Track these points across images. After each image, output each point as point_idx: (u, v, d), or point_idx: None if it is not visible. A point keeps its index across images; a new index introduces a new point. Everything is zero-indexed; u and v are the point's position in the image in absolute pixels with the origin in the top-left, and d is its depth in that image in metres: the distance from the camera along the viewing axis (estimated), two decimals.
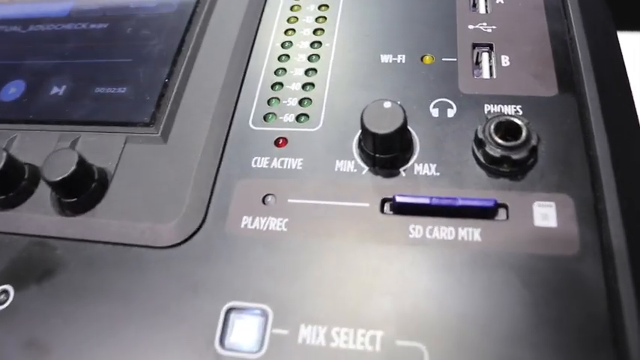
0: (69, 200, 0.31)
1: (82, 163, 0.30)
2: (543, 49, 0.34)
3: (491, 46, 0.35)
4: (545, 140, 0.31)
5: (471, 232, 0.29)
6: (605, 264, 0.27)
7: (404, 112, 0.29)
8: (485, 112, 0.32)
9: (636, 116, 0.34)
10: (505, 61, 0.34)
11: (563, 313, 0.26)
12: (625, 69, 0.36)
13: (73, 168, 0.30)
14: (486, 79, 0.33)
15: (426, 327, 0.26)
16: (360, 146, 0.31)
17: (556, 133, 0.31)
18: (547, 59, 0.34)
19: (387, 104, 0.29)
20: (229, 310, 0.28)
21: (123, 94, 0.35)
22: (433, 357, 0.26)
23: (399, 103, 0.29)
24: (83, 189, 0.31)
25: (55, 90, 0.36)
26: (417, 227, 0.29)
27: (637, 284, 0.27)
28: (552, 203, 0.29)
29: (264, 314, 0.28)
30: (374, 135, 0.29)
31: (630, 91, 0.34)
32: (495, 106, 0.32)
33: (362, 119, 0.29)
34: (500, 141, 0.29)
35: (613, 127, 0.31)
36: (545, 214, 0.29)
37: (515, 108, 0.32)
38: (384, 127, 0.29)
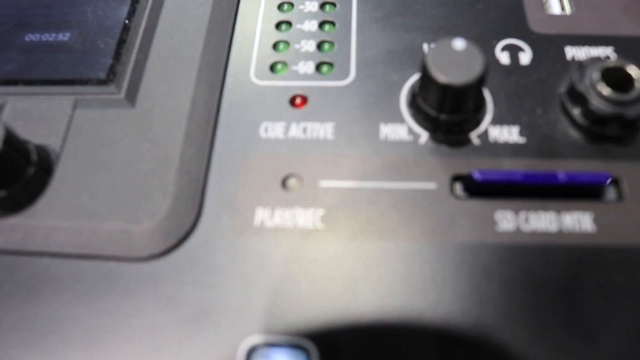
0: None
1: (11, 139, 0.19)
2: None
3: None
4: None
5: (578, 219, 0.20)
6: None
7: (483, 54, 0.20)
8: (568, 58, 0.23)
9: None
10: None
11: None
12: None
13: None
14: (561, 15, 0.24)
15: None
16: (414, 104, 0.21)
17: None
18: None
19: (459, 44, 0.20)
20: (252, 350, 0.18)
21: (65, 41, 0.24)
22: None
23: (475, 43, 0.20)
24: (15, 178, 0.20)
25: None
26: (507, 215, 0.20)
27: None
28: None
29: (306, 355, 0.18)
30: (445, 88, 0.19)
31: None
32: (580, 48, 0.23)
33: (425, 65, 0.20)
34: (609, 94, 0.20)
35: None
36: None
37: (605, 50, 0.23)
38: (458, 75, 0.19)
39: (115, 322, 0.19)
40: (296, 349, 0.18)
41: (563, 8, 0.25)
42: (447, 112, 0.21)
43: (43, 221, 0.20)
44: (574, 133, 0.21)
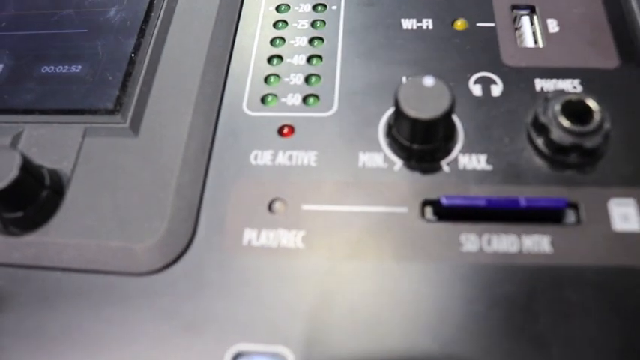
0: (13, 215, 0.22)
1: (27, 165, 0.22)
2: (595, 12, 0.27)
3: (532, 9, 0.27)
4: (612, 122, 0.24)
5: (537, 241, 0.21)
6: None
7: (451, 90, 0.21)
8: (537, 89, 0.25)
9: None
10: (553, 26, 0.26)
11: None
12: None
13: (15, 173, 0.21)
14: (531, 48, 0.26)
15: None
16: (390, 134, 0.23)
17: (624, 113, 0.24)
18: (601, 23, 0.26)
19: (429, 81, 0.22)
20: (237, 357, 0.20)
21: (77, 73, 0.26)
22: None
23: (443, 79, 0.22)
24: (31, 200, 0.22)
25: None
26: (470, 237, 0.21)
27: None
28: (631, 200, 0.22)
29: None
30: (414, 121, 0.21)
31: None
32: (548, 80, 0.25)
33: (397, 101, 0.21)
34: (568, 125, 0.22)
35: None
36: (625, 214, 0.22)
37: (572, 83, 0.25)
38: (427, 110, 0.21)
39: (117, 330, 0.21)
40: (275, 356, 0.20)
41: (536, 42, 0.26)
42: (419, 142, 0.22)
43: (55, 239, 0.22)
44: (538, 161, 0.23)
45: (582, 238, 0.21)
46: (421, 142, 0.22)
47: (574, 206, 0.22)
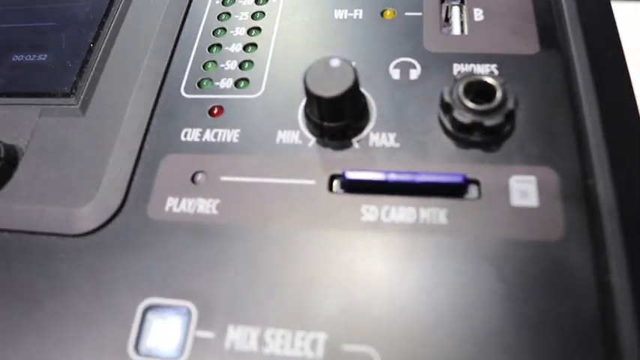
0: None
1: None
2: (522, 1, 0.27)
3: None
4: (524, 105, 0.24)
5: (435, 213, 0.22)
6: (595, 252, 0.21)
7: (354, 70, 0.23)
8: (455, 73, 0.26)
9: (629, 81, 0.27)
10: (478, 15, 0.27)
11: (545, 310, 0.20)
12: (616, 28, 0.29)
13: None
14: (457, 35, 0.27)
15: (380, 328, 0.20)
16: (306, 114, 0.25)
17: (537, 97, 0.25)
18: (527, 12, 0.27)
19: (335, 62, 0.23)
20: (147, 309, 0.22)
21: (43, 61, 0.29)
22: None
23: (349, 60, 0.23)
24: None
25: None
26: (371, 208, 0.23)
27: (634, 276, 0.21)
28: (533, 178, 0.23)
29: (188, 314, 0.22)
30: (319, 99, 0.23)
31: (622, 55, 0.28)
32: (466, 65, 0.26)
33: (305, 80, 0.23)
34: (470, 104, 0.23)
35: (604, 89, 0.25)
36: (525, 191, 0.23)
37: (489, 67, 0.26)
38: (330, 89, 0.23)
39: (51, 284, 0.23)
40: (181, 309, 0.22)
41: (462, 31, 0.27)
42: (328, 120, 0.24)
43: (5, 204, 0.25)
44: (445, 140, 0.24)
45: (478, 211, 0.22)
46: (330, 120, 0.24)
47: (476, 182, 0.23)
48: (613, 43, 0.27)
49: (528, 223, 0.22)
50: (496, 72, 0.25)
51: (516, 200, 0.22)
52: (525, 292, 0.20)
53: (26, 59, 0.29)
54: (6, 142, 0.26)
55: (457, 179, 0.22)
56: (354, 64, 0.23)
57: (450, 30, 0.27)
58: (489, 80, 0.23)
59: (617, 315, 0.20)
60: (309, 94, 0.23)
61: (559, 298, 0.20)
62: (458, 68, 0.26)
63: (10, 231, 0.25)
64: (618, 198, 0.22)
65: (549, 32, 0.26)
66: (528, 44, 0.26)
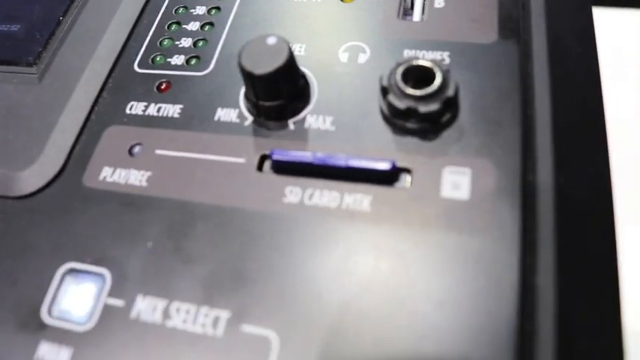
0: None
1: None
2: None
3: None
4: (471, 94, 0.23)
5: (359, 199, 0.22)
6: (523, 251, 0.20)
7: (289, 48, 0.22)
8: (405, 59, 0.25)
9: (596, 82, 0.25)
10: (439, 1, 0.26)
11: (460, 310, 0.19)
12: (590, 26, 0.27)
13: None
14: (414, 22, 0.26)
15: (283, 312, 0.20)
16: (245, 93, 0.24)
17: (487, 87, 0.23)
18: (490, 1, 0.26)
19: (271, 40, 0.23)
20: (66, 273, 0.22)
21: (15, 32, 0.29)
22: (284, 348, 0.19)
23: (286, 39, 0.23)
24: None
25: None
26: (295, 190, 0.22)
27: (561, 281, 0.20)
28: (467, 170, 0.22)
29: (102, 280, 0.22)
30: (251, 75, 0.22)
31: (593, 53, 0.26)
32: (418, 52, 0.25)
33: (239, 57, 0.23)
34: (407, 89, 0.22)
35: (561, 86, 0.24)
36: (457, 182, 0.21)
37: (441, 55, 0.25)
38: (262, 66, 0.22)
39: None
40: (97, 276, 0.22)
41: (423, 17, 0.26)
42: (262, 98, 0.23)
43: None
44: (382, 126, 0.23)
45: (405, 201, 0.21)
46: (265, 99, 0.23)
47: (407, 171, 0.22)
48: (583, 39, 0.26)
49: (454, 215, 0.21)
50: (447, 60, 0.24)
51: (447, 192, 0.21)
52: (441, 288, 0.19)
53: (0, 29, 0.30)
54: None
55: (384, 166, 0.22)
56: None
57: (411, 15, 0.26)
58: (427, 64, 0.22)
59: (537, 318, 0.19)
60: (242, 70, 0.22)
61: (477, 297, 0.19)
62: (408, 54, 0.25)
63: None
64: (557, 198, 0.21)
65: (510, 22, 0.25)
66: (486, 33, 0.25)
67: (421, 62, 0.22)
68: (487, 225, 0.20)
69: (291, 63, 0.22)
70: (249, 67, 0.22)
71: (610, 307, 0.19)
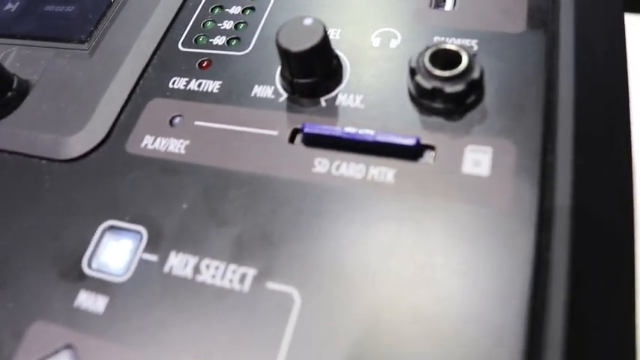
0: None
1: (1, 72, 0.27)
2: None
3: None
4: (497, 80, 0.24)
5: (383, 172, 0.23)
6: (539, 227, 0.21)
7: (324, 29, 0.24)
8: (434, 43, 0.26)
9: (624, 76, 0.26)
10: None
11: (476, 278, 0.20)
12: (622, 25, 0.28)
13: None
14: (445, 11, 0.27)
15: (306, 271, 0.21)
16: (281, 71, 0.26)
17: (512, 73, 0.24)
18: None
19: (308, 21, 0.24)
20: (106, 230, 0.24)
21: (69, 12, 0.31)
22: (306, 304, 0.20)
23: (322, 21, 0.24)
24: None
25: (8, 6, 0.33)
26: (323, 161, 0.23)
27: (574, 258, 0.20)
28: (489, 149, 0.22)
29: (139, 237, 0.23)
30: (287, 53, 0.24)
31: (622, 47, 0.26)
32: (447, 39, 0.26)
33: (277, 35, 0.24)
34: (434, 70, 0.23)
35: (585, 75, 0.24)
36: (478, 160, 0.22)
37: (470, 42, 0.26)
38: (298, 44, 0.23)
39: (33, 199, 0.25)
40: (134, 233, 0.23)
41: (455, 6, 0.27)
42: (297, 76, 0.25)
43: (9, 129, 0.28)
44: (409, 105, 0.24)
45: (427, 175, 0.22)
46: (299, 76, 0.24)
47: (431, 148, 0.23)
48: (611, 35, 0.26)
49: (474, 190, 0.22)
50: (475, 47, 0.25)
51: (468, 168, 0.22)
52: (458, 256, 0.20)
53: (55, 9, 0.32)
54: (20, 77, 0.29)
55: (409, 141, 0.23)
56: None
57: (444, 4, 0.28)
58: (455, 48, 0.23)
59: (550, 291, 0.20)
60: (279, 47, 0.24)
61: (491, 268, 0.20)
62: (438, 41, 0.26)
63: (9, 152, 0.27)
64: (575, 180, 0.22)
65: (539, 13, 0.26)
66: (515, 23, 0.26)
67: (448, 46, 0.23)
68: (506, 200, 0.21)
69: (325, 42, 0.24)
70: (286, 44, 0.23)
71: (623, 282, 0.20)
